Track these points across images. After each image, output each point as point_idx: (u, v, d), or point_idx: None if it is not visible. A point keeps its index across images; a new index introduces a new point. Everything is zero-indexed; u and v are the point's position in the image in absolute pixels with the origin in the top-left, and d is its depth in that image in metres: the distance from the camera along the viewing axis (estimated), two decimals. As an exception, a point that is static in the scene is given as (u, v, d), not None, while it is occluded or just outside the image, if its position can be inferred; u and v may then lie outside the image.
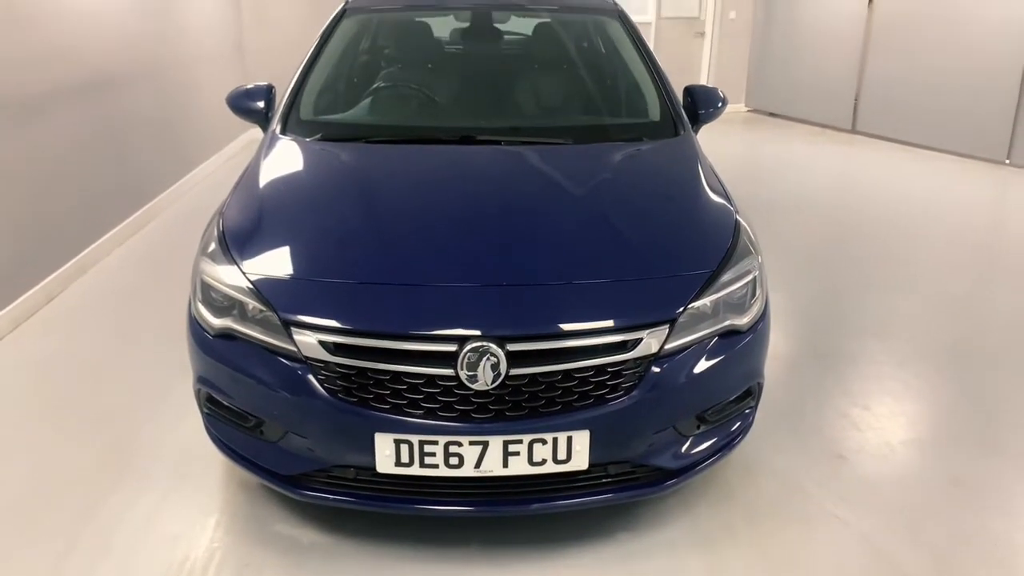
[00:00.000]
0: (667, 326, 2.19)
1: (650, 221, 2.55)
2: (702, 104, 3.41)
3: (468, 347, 2.06)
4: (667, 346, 2.19)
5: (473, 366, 2.06)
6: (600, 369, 2.14)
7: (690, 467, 2.35)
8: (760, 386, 2.52)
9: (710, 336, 2.28)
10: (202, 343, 2.32)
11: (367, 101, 3.35)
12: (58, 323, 3.94)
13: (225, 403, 2.32)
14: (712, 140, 8.54)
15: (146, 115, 5.48)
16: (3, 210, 3.78)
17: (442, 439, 2.10)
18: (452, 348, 2.08)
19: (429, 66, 3.67)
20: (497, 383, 2.08)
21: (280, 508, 2.55)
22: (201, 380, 2.37)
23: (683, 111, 3.23)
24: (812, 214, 6.01)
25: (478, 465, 2.13)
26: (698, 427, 2.36)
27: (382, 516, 2.46)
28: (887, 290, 4.48)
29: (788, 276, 4.61)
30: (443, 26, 3.87)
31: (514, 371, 2.09)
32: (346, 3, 3.68)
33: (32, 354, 3.63)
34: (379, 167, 2.84)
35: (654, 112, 3.21)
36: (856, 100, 8.94)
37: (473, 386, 2.07)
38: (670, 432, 2.28)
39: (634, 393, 2.15)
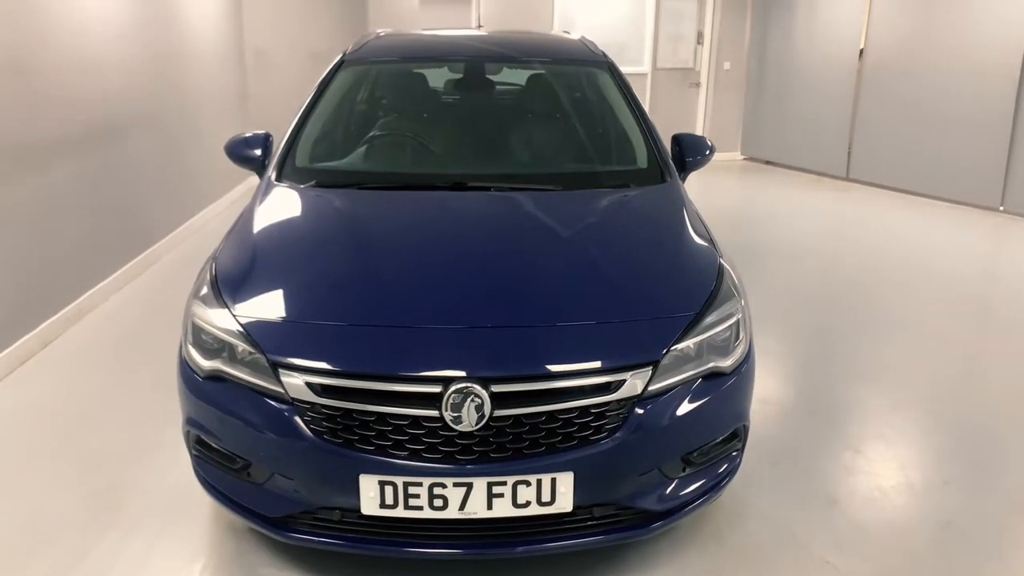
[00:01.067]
0: (650, 368, 2.22)
1: (635, 264, 2.59)
2: (689, 152, 3.48)
3: (452, 388, 2.08)
4: (651, 387, 2.21)
5: (457, 407, 2.08)
6: (584, 410, 2.15)
7: (676, 510, 2.35)
8: (746, 428, 2.53)
9: (694, 378, 2.30)
10: (192, 385, 2.34)
11: (361, 149, 3.41)
12: (54, 367, 3.96)
13: (213, 445, 2.34)
14: (708, 187, 8.66)
15: (147, 161, 5.57)
16: (0, 255, 3.83)
17: (426, 481, 2.11)
18: (437, 389, 2.10)
19: (423, 115, 3.75)
20: (481, 424, 2.09)
21: (266, 551, 2.54)
22: (190, 422, 2.38)
23: (670, 159, 3.29)
24: (805, 260, 6.05)
25: (462, 507, 2.13)
26: (684, 469, 2.37)
27: (368, 559, 2.45)
28: (880, 336, 4.49)
29: (781, 321, 4.64)
30: (438, 77, 3.96)
31: (498, 412, 2.10)
32: (344, 54, 3.78)
33: (27, 398, 3.64)
34: (370, 213, 2.89)
35: (641, 160, 3.28)
36: (849, 148, 9.06)
37: (457, 427, 2.09)
38: (655, 474, 2.28)
39: (618, 435, 2.17)
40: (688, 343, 2.29)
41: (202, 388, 2.31)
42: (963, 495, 2.94)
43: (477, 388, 2.08)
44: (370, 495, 2.13)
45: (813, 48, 9.38)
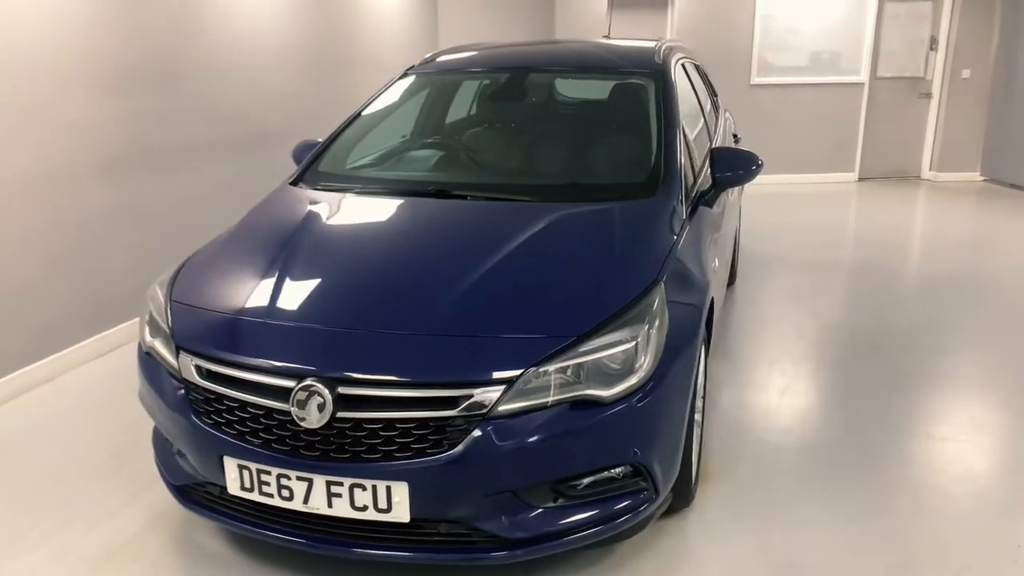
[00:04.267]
0: (502, 386, 2.13)
1: (542, 280, 2.46)
2: (720, 168, 3.23)
3: (300, 385, 2.17)
4: (501, 407, 2.12)
5: (302, 404, 2.15)
6: (423, 422, 2.13)
7: (539, 540, 2.22)
8: (646, 468, 2.31)
9: (560, 403, 2.16)
10: (140, 359, 2.64)
11: (381, 156, 3.57)
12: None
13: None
14: (937, 211, 7.61)
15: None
16: (139, 242, 4.51)
17: (274, 470, 2.21)
18: (290, 384, 2.19)
19: (449, 125, 3.82)
20: (324, 423, 2.15)
21: (209, 524, 2.76)
22: (140, 393, 2.69)
23: (678, 173, 3.02)
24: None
25: (306, 501, 2.21)
26: (555, 499, 2.24)
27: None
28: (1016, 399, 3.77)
29: (953, 372, 4.08)
30: (484, 88, 3.98)
31: (341, 414, 2.15)
32: (412, 66, 3.96)
33: (119, 367, 4.21)
34: (334, 215, 3.01)
35: (644, 173, 3.08)
36: (1109, 171, 7.56)
37: (301, 423, 2.16)
38: (509, 498, 2.18)
39: (455, 451, 2.11)
40: (556, 365, 2.16)
41: (143, 362, 2.60)
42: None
43: (320, 387, 2.15)
44: (232, 476, 2.28)
45: (1072, 52, 7.96)
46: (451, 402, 2.13)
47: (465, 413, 2.12)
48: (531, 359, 2.16)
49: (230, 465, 2.28)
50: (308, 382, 2.16)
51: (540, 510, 2.22)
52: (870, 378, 3.94)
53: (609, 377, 2.21)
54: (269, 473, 2.22)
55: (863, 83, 9.03)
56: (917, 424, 3.46)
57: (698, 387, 2.71)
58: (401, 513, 2.16)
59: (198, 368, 2.35)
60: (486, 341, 2.23)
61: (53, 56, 3.86)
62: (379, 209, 3.03)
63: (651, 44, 3.98)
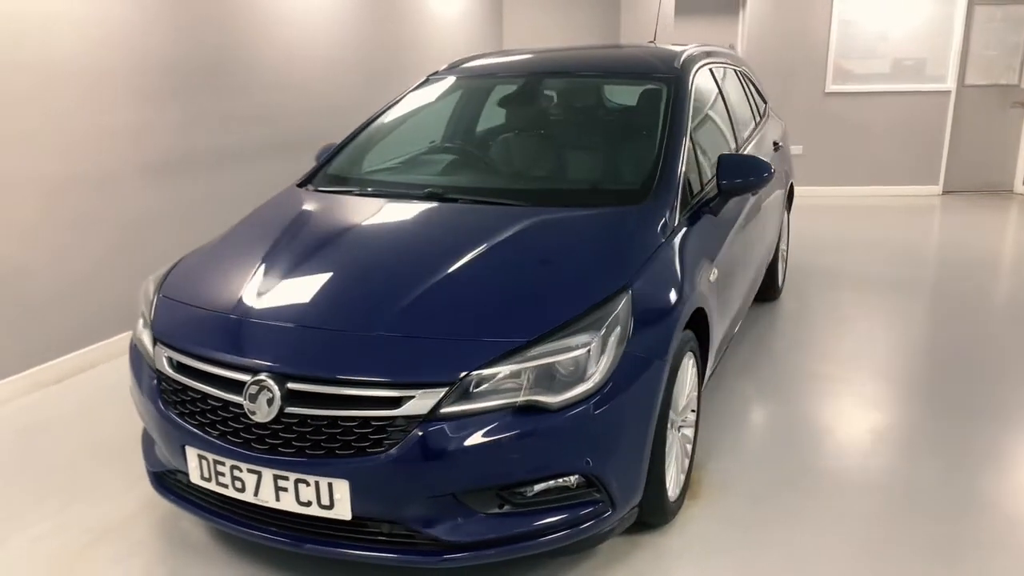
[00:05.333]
0: (444, 389, 2.11)
1: (500, 285, 2.44)
2: (725, 175, 3.12)
3: (253, 379, 2.21)
4: (444, 409, 2.11)
5: (254, 398, 2.20)
6: (365, 421, 2.13)
7: (484, 546, 2.19)
8: (600, 479, 2.24)
9: (504, 408, 2.13)
10: (130, 349, 2.76)
11: (387, 160, 3.61)
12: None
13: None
14: (1019, 228, 6.95)
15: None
16: (180, 241, 4.70)
17: (228, 461, 2.27)
18: (246, 378, 2.24)
19: (459, 130, 3.82)
20: (273, 418, 2.18)
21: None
22: (130, 385, 2.80)
23: (675, 180, 2.93)
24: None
25: (256, 493, 2.25)
26: (501, 506, 2.20)
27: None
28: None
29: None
30: (500, 94, 3.95)
31: (289, 409, 2.18)
32: (436, 71, 3.99)
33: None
34: (321, 217, 3.06)
35: (639, 180, 3.00)
36: None
37: (252, 417, 2.21)
38: (450, 502, 2.16)
39: (393, 451, 2.10)
40: (500, 369, 2.14)
41: (132, 353, 2.71)
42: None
43: (270, 382, 2.19)
44: (193, 465, 2.35)
45: None
46: (393, 402, 2.13)
47: (406, 414, 2.12)
48: (476, 362, 2.14)
49: (191, 454, 2.35)
50: (260, 377, 2.20)
51: (485, 516, 2.19)
52: (903, 405, 3.72)
53: (558, 383, 2.17)
54: (224, 464, 2.28)
55: (949, 91, 8.55)
56: (935, 459, 3.24)
57: (676, 401, 2.61)
58: (343, 510, 2.17)
59: (169, 360, 2.44)
60: (432, 343, 2.23)
61: (104, 62, 4.09)
62: (366, 211, 3.06)
63: (677, 49, 3.89)
